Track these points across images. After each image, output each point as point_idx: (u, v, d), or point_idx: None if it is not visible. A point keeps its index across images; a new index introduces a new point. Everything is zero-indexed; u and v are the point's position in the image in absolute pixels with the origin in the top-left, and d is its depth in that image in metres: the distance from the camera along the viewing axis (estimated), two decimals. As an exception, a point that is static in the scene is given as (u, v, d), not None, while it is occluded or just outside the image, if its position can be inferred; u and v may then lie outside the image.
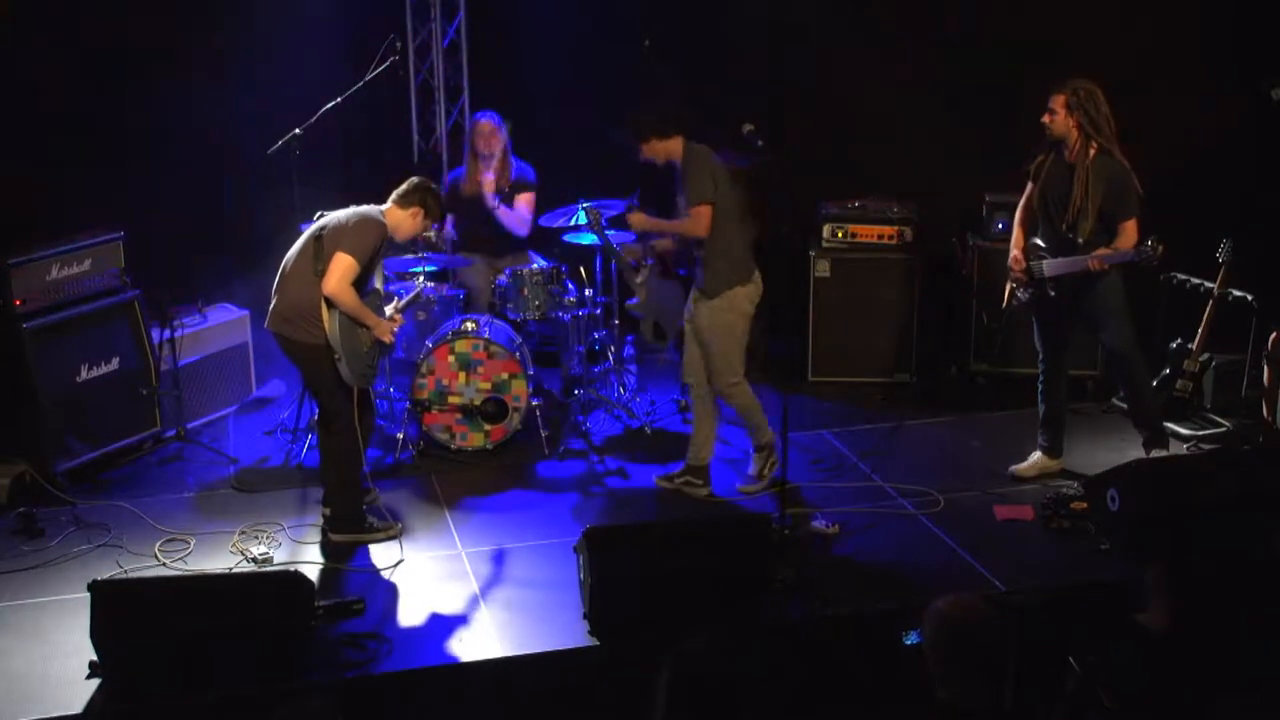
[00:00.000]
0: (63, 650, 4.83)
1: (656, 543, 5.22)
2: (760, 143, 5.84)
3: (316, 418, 5.90)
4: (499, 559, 5.63)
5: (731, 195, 5.95)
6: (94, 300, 6.45)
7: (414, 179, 5.79)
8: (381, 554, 5.65)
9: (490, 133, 7.10)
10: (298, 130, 6.62)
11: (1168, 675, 3.93)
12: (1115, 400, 7.00)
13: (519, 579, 5.46)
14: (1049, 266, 6.01)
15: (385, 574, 5.51)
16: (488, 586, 5.39)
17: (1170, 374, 6.85)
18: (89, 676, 4.67)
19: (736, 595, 5.11)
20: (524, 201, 7.20)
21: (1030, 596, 5.15)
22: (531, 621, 5.10)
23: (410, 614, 5.20)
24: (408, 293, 6.17)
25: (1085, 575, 5.40)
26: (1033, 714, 3.75)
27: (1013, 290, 6.26)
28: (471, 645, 4.96)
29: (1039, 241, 6.09)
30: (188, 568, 5.53)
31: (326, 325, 5.44)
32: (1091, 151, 5.83)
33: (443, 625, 5.12)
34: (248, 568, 5.49)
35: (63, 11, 7.02)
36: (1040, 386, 6.33)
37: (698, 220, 5.90)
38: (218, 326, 7.12)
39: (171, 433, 6.78)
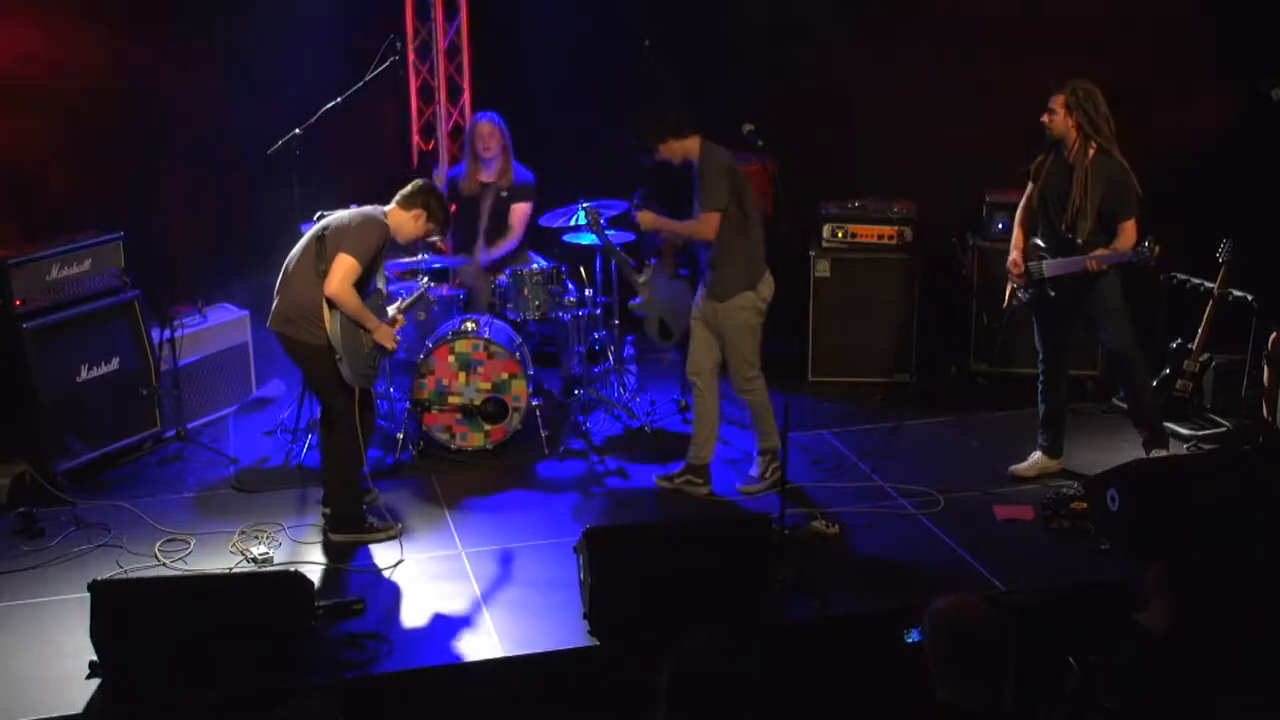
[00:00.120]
0: (63, 650, 4.83)
1: (656, 543, 5.23)
2: (760, 143, 5.84)
3: (318, 417, 5.90)
4: (499, 559, 5.63)
5: (745, 199, 5.94)
6: (94, 300, 6.45)
7: (418, 181, 5.80)
8: (381, 554, 5.65)
9: (489, 134, 7.11)
10: (298, 130, 6.62)
11: (1168, 675, 3.93)
12: (1115, 400, 7.00)
13: (519, 579, 5.47)
14: (1048, 267, 6.02)
15: (385, 574, 5.51)
16: (488, 586, 5.39)
17: (1170, 374, 6.85)
18: (89, 676, 4.66)
19: (736, 595, 5.11)
20: (519, 213, 7.20)
21: (1030, 596, 5.15)
22: (531, 621, 5.10)
23: (410, 614, 5.20)
24: (409, 293, 6.16)
25: (1085, 575, 5.40)
26: (1033, 714, 3.75)
27: (1013, 290, 6.26)
28: (471, 645, 4.96)
29: (1039, 242, 6.09)
30: (188, 568, 5.53)
31: (328, 326, 5.44)
32: (1091, 151, 5.83)
33: (443, 625, 5.12)
34: (248, 568, 5.49)
35: (65, 11, 7.01)
36: (1040, 386, 6.33)
37: (706, 225, 5.91)
38: (218, 326, 7.12)
39: (171, 433, 6.78)
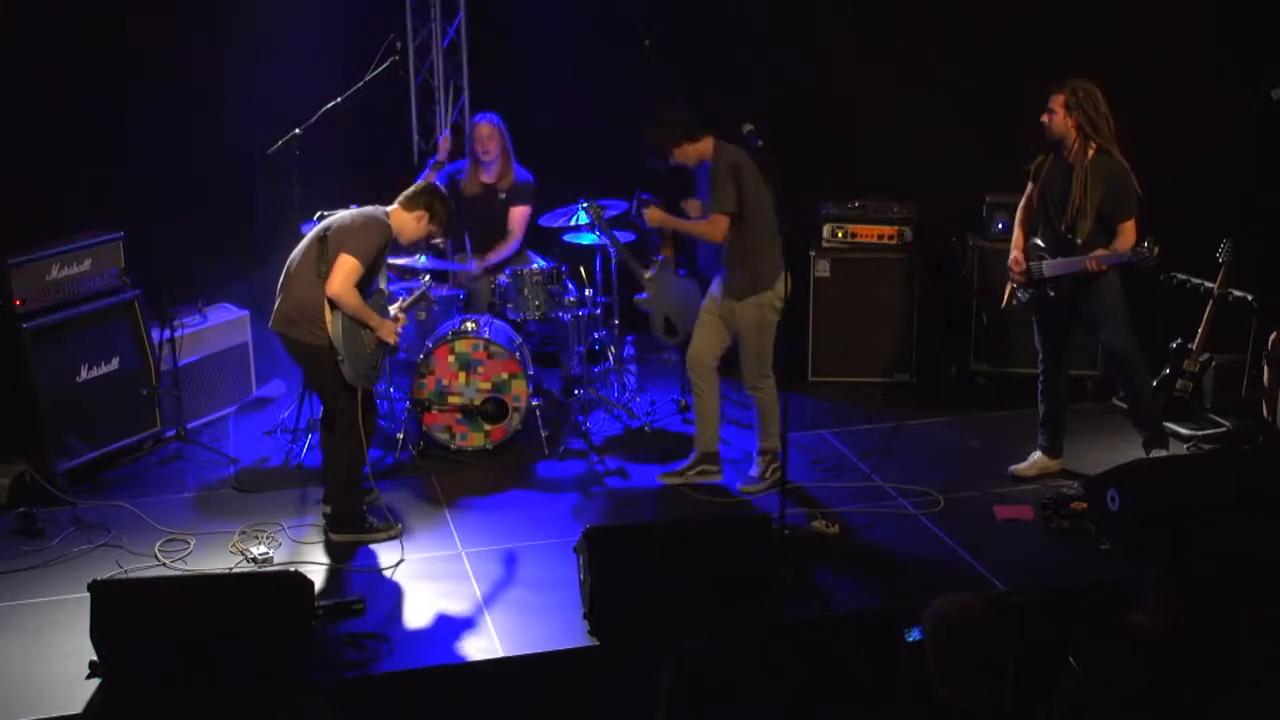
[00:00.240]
0: (63, 650, 4.83)
1: (656, 543, 5.23)
2: (760, 143, 5.84)
3: (319, 417, 5.90)
4: (499, 559, 5.63)
5: (762, 197, 5.94)
6: (94, 300, 6.44)
7: (422, 182, 5.81)
8: (381, 554, 5.65)
9: (488, 136, 7.10)
10: (298, 130, 6.62)
11: (1167, 675, 3.93)
12: (1115, 400, 7.00)
13: (519, 579, 5.47)
14: (1048, 267, 6.02)
15: (385, 574, 5.51)
16: (488, 586, 5.39)
17: (1170, 374, 6.85)
18: (89, 676, 4.66)
19: (736, 595, 5.11)
20: (517, 216, 7.20)
21: (1030, 596, 5.15)
22: (531, 621, 5.10)
23: (410, 614, 5.20)
24: (410, 293, 6.16)
25: (1085, 575, 5.40)
26: (1033, 714, 3.75)
27: (1012, 290, 6.26)
28: (471, 645, 4.96)
29: (1039, 242, 6.09)
30: (188, 568, 5.53)
31: (330, 326, 5.44)
32: (1090, 151, 5.83)
33: (443, 625, 5.12)
34: (248, 568, 5.49)
35: (63, 11, 7.01)
36: (1040, 386, 6.33)
37: (715, 227, 5.94)
38: (218, 326, 7.12)
39: (171, 433, 6.78)
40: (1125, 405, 6.56)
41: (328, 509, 5.78)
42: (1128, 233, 5.86)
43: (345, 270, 5.42)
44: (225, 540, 5.73)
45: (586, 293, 6.99)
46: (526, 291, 6.81)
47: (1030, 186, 6.13)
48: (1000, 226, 7.27)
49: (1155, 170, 6.00)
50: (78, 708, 4.53)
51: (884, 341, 7.61)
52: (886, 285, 7.57)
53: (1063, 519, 5.81)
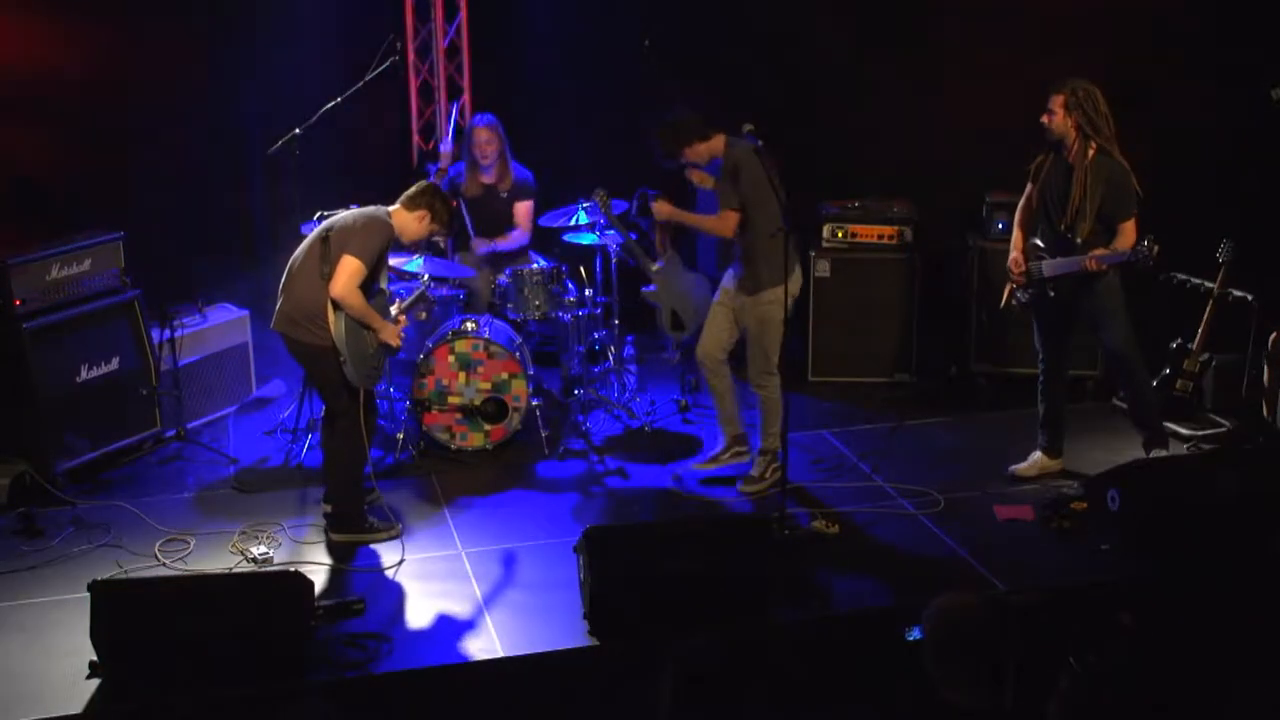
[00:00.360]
0: (63, 650, 4.83)
1: (656, 543, 5.23)
2: (760, 143, 5.84)
3: (320, 416, 5.89)
4: (499, 559, 5.63)
5: (764, 197, 5.94)
6: (94, 300, 6.44)
7: (423, 183, 5.80)
8: (382, 554, 5.65)
9: (486, 140, 7.08)
10: (298, 130, 6.63)
11: (1169, 675, 3.93)
12: (1115, 400, 7.00)
13: (519, 579, 5.47)
14: (1048, 267, 6.02)
15: (385, 574, 5.51)
16: (488, 586, 5.39)
17: (1170, 374, 6.85)
18: (89, 676, 4.67)
19: (736, 595, 5.10)
20: (522, 211, 7.20)
21: (1030, 596, 5.15)
22: (531, 621, 5.10)
23: (410, 614, 5.20)
24: (410, 293, 6.16)
25: (1085, 575, 5.40)
26: (1033, 714, 3.75)
27: (1011, 291, 6.26)
28: (471, 645, 4.96)
29: (1038, 242, 6.09)
30: (188, 568, 5.53)
31: (332, 327, 5.44)
32: (1090, 151, 5.82)
33: (443, 625, 5.12)
34: (248, 568, 5.49)
35: (63, 11, 7.02)
36: (1040, 386, 6.33)
37: (724, 223, 5.95)
38: (218, 326, 7.12)
39: (171, 433, 6.78)
40: (1125, 405, 6.56)
41: (328, 508, 5.78)
42: (1128, 232, 5.86)
43: (348, 271, 5.41)
44: (225, 540, 5.73)
45: (586, 293, 6.99)
46: (526, 291, 6.81)
47: (1029, 187, 6.13)
48: (1000, 226, 7.26)
49: (1155, 170, 6.00)
50: (78, 708, 4.54)
51: (884, 341, 7.61)
52: (886, 285, 7.57)
53: (1063, 519, 5.81)
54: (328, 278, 5.42)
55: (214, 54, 7.34)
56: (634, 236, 6.89)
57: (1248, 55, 7.22)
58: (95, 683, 4.65)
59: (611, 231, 6.79)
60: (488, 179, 7.20)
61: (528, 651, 4.89)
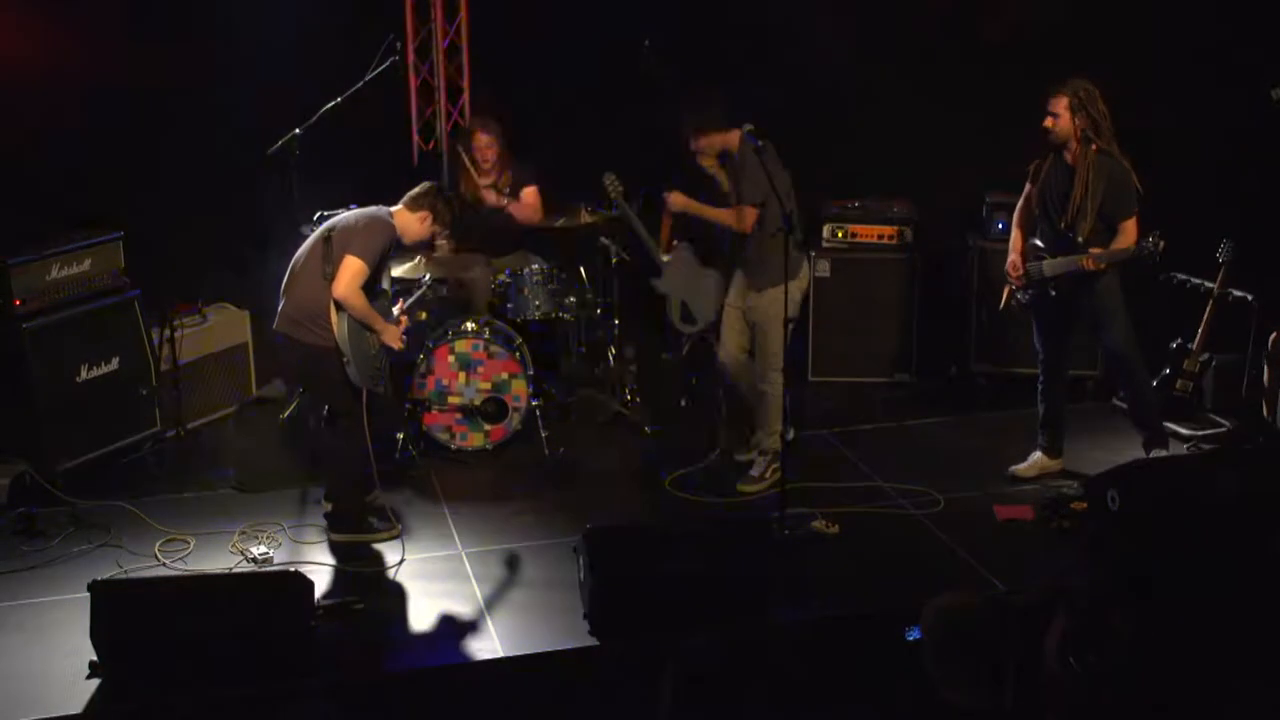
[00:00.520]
0: (63, 650, 4.83)
1: (656, 543, 5.23)
2: (760, 143, 5.84)
3: (324, 416, 5.89)
4: (499, 559, 5.63)
5: (786, 194, 5.95)
6: (94, 300, 6.44)
7: (426, 184, 5.80)
8: (382, 554, 5.65)
9: (486, 145, 7.06)
10: (298, 130, 6.62)
11: (1169, 676, 3.92)
12: (1115, 400, 7.00)
13: (519, 579, 5.47)
14: (1048, 267, 6.02)
15: (385, 574, 5.50)
16: (488, 586, 5.39)
17: (1170, 374, 6.85)
18: (89, 676, 4.67)
19: (736, 595, 5.10)
20: (530, 194, 7.15)
21: (1030, 596, 5.14)
22: (531, 621, 5.11)
23: (410, 614, 5.20)
24: (411, 293, 6.16)
25: (1085, 575, 5.39)
26: (1033, 714, 3.75)
27: (1010, 292, 6.26)
28: (471, 645, 4.96)
29: (1038, 243, 6.09)
30: (188, 568, 5.53)
31: (335, 328, 5.44)
32: (1092, 150, 5.82)
33: (443, 625, 5.12)
34: (248, 568, 5.49)
35: (65, 10, 7.01)
36: (1040, 386, 6.33)
37: (743, 217, 5.94)
38: (218, 326, 7.12)
39: (171, 433, 6.77)
40: (1125, 405, 6.56)
41: (328, 507, 5.78)
42: (1129, 231, 5.86)
43: (351, 272, 5.41)
44: (225, 540, 5.73)
45: (586, 293, 6.99)
46: (526, 291, 6.81)
47: (1028, 187, 6.13)
48: (1000, 226, 7.26)
49: (1155, 170, 6.00)
50: (78, 708, 4.54)
51: (884, 341, 7.62)
52: (886, 285, 7.58)
53: (1063, 519, 5.81)
54: (330, 278, 5.42)
55: (214, 53, 7.33)
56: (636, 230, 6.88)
57: (1248, 55, 7.22)
58: (95, 683, 4.65)
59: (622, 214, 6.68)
60: (489, 181, 7.18)
61: (528, 651, 4.89)
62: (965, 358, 7.60)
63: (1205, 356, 6.81)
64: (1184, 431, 6.69)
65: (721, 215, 6.13)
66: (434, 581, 5.44)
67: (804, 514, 5.84)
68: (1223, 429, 6.72)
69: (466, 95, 8.04)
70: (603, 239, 7.04)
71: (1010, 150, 6.35)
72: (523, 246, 7.30)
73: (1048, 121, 5.84)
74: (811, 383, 7.60)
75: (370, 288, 5.53)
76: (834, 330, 7.61)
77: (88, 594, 4.67)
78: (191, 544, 5.71)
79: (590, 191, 6.85)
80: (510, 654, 4.88)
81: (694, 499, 6.18)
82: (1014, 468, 6.35)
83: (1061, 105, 5.79)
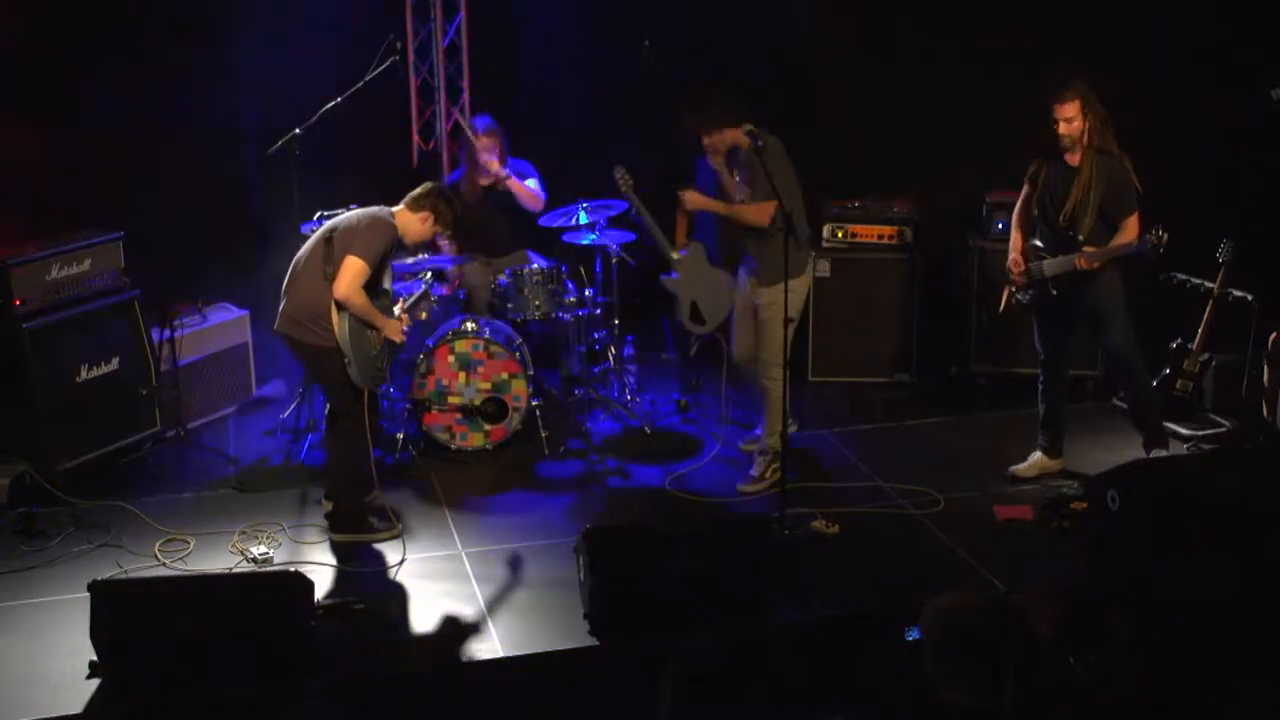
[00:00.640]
0: (63, 650, 4.83)
1: (656, 543, 5.22)
2: (760, 143, 5.84)
3: (324, 416, 5.89)
4: (499, 559, 5.63)
5: (797, 191, 5.98)
6: (94, 300, 6.45)
7: (428, 184, 5.80)
8: (382, 554, 5.65)
9: (487, 147, 7.06)
10: (298, 130, 6.62)
11: (1169, 675, 3.93)
12: (1115, 400, 7.00)
13: (519, 579, 5.47)
14: (1049, 266, 6.02)
15: (385, 574, 5.50)
16: (488, 586, 5.39)
17: (1170, 374, 6.85)
18: (89, 676, 4.67)
19: (736, 595, 5.10)
20: (529, 187, 7.14)
21: (1030, 596, 5.14)
22: (531, 621, 5.11)
23: (410, 614, 5.20)
24: (412, 293, 6.16)
25: (1085, 575, 5.39)
26: (1033, 714, 3.75)
27: (1010, 294, 6.26)
28: (471, 645, 4.96)
29: (1038, 243, 6.09)
30: (188, 568, 5.53)
31: (336, 328, 5.44)
32: (1093, 150, 5.82)
33: (443, 625, 5.12)
34: (248, 568, 5.49)
35: (65, 11, 7.01)
36: (1040, 386, 6.33)
37: (763, 212, 5.91)
38: (218, 326, 7.12)
39: (171, 433, 6.78)
40: (1125, 405, 6.56)
41: (329, 507, 5.78)
42: (1130, 228, 5.86)
43: (352, 272, 5.41)
44: (225, 540, 5.73)
45: (586, 293, 6.99)
46: (526, 291, 6.81)
47: (1026, 188, 6.13)
48: (1000, 226, 7.26)
49: (1155, 170, 6.00)
50: (78, 708, 4.54)
51: (884, 341, 7.62)
52: (886, 285, 7.58)
53: (1063, 519, 5.81)
54: (331, 278, 5.42)
55: (214, 53, 7.34)
56: (633, 237, 6.88)
57: (1247, 55, 7.22)
58: (95, 683, 4.65)
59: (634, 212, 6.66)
60: (488, 179, 7.19)
61: (528, 651, 4.89)
62: (965, 358, 7.60)
63: (1205, 356, 6.81)
64: (1184, 431, 6.69)
65: (741, 211, 6.09)
66: (434, 581, 5.44)
67: (804, 514, 5.84)
68: (1223, 429, 6.72)
69: (466, 95, 8.04)
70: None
71: (1010, 150, 6.35)
72: (523, 246, 7.31)
73: (1061, 128, 5.78)
74: (811, 383, 7.60)
75: (371, 288, 5.53)
76: (834, 330, 7.61)
77: (88, 594, 4.67)
78: (191, 544, 5.71)
79: (590, 193, 6.85)
80: (510, 654, 4.88)
81: (694, 499, 6.18)
82: (1014, 468, 6.35)
83: (1074, 109, 5.75)
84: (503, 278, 6.89)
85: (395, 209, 5.68)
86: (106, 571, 5.41)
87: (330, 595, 5.26)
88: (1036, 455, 6.36)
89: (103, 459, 6.44)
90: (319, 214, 6.39)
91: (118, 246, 6.57)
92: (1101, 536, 5.42)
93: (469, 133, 7.10)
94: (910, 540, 5.76)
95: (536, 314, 6.82)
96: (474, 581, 5.43)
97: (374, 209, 5.66)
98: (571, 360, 7.08)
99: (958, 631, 3.33)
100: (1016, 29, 7.61)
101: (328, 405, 5.80)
